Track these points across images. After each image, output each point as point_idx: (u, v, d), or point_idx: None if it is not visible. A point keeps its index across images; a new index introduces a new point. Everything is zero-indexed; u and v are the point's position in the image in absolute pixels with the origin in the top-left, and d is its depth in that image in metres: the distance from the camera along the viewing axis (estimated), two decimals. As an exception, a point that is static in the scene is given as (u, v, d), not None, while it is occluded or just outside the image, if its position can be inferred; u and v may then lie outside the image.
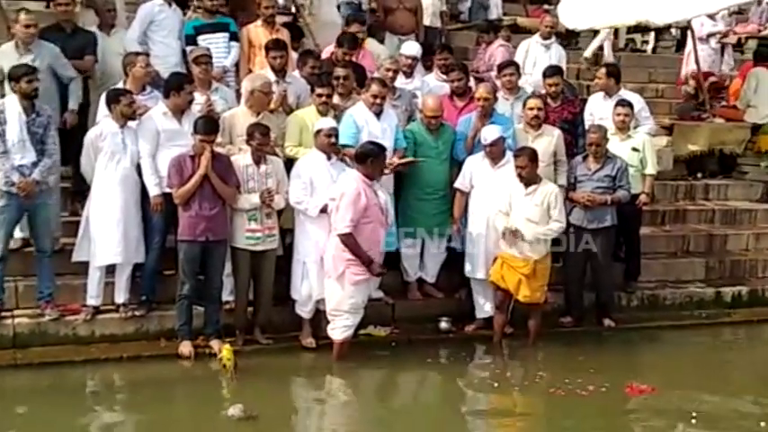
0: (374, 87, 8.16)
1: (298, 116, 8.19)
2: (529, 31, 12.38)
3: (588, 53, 14.09)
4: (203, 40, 9.13)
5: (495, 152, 8.16)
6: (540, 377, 7.85)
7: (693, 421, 6.80)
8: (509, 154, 8.17)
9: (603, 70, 9.87)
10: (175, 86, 7.78)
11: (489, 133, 8.16)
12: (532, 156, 7.95)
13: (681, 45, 14.73)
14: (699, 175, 12.03)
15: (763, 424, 6.78)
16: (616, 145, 8.91)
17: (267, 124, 7.76)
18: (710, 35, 13.84)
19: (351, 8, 11.38)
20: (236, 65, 9.41)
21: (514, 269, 8.01)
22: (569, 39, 14.07)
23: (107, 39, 9.08)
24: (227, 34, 9.30)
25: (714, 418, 6.99)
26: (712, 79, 12.92)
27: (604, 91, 9.69)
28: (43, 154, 7.57)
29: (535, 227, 7.95)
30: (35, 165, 7.52)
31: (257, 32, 9.45)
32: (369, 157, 7.51)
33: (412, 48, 9.48)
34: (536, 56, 10.90)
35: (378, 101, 8.13)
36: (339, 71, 8.52)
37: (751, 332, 9.44)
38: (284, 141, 8.09)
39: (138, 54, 8.18)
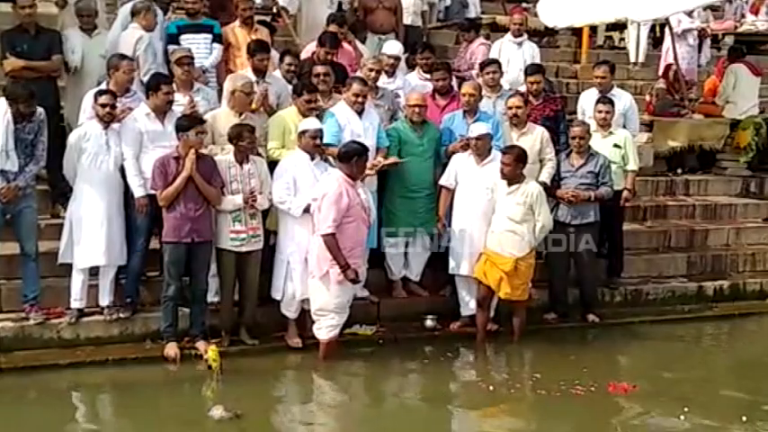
0: (355, 86, 8.17)
1: (280, 117, 8.17)
2: (508, 30, 12.40)
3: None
4: (185, 40, 9.09)
5: (481, 146, 8.17)
6: (524, 375, 7.91)
7: (683, 417, 6.83)
8: (494, 152, 8.19)
9: (605, 67, 9.80)
10: (153, 86, 7.78)
11: (477, 128, 8.19)
12: (518, 157, 7.95)
13: (658, 42, 14.79)
14: (679, 170, 12.12)
15: (744, 418, 6.85)
16: (598, 142, 8.97)
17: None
18: (687, 31, 13.91)
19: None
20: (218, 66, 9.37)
21: (496, 266, 8.03)
22: (547, 36, 14.11)
23: (89, 40, 9.00)
24: (209, 36, 9.26)
25: (704, 411, 7.01)
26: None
27: (602, 88, 9.69)
28: (31, 158, 7.51)
29: (515, 225, 7.97)
30: (20, 171, 7.44)
31: (236, 33, 9.44)
32: (353, 157, 7.50)
33: (394, 47, 9.48)
34: (509, 54, 10.89)
35: (359, 99, 8.14)
36: (319, 68, 8.51)
37: (733, 325, 9.56)
38: (266, 142, 8.07)
39: (123, 58, 8.11)
